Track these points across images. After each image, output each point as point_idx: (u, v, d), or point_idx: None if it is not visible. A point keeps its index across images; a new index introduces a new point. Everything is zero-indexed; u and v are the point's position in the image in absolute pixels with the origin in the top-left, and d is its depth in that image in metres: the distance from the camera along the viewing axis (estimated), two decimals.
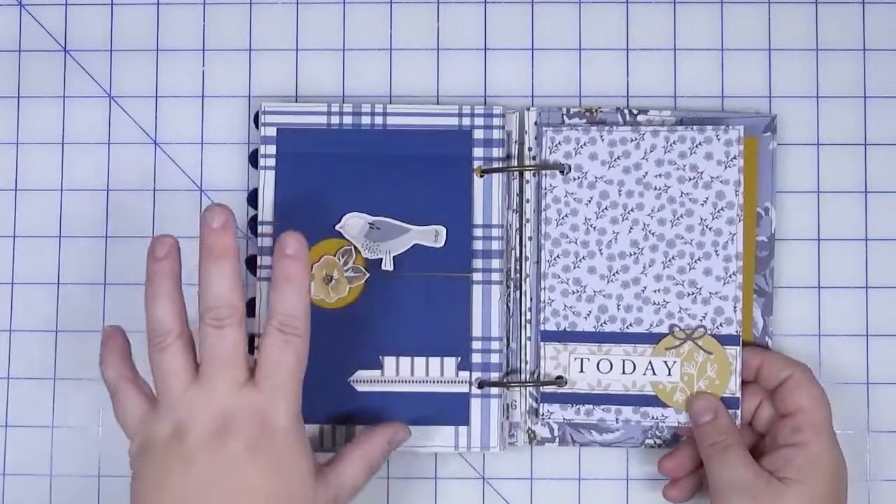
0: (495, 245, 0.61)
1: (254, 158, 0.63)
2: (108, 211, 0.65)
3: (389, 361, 0.61)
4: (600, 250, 0.61)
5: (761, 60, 0.65)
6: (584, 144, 0.61)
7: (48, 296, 0.64)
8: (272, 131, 0.62)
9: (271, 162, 0.62)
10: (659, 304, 0.60)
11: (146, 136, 0.65)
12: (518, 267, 0.62)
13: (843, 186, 0.64)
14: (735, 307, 0.60)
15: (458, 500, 0.63)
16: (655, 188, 0.61)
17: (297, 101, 0.65)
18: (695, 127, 0.61)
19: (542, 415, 0.61)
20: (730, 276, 0.60)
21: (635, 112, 0.62)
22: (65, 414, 0.64)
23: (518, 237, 0.62)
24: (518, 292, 0.62)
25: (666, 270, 0.60)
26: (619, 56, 0.65)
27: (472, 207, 0.61)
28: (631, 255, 0.61)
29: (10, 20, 0.66)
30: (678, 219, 0.60)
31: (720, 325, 0.60)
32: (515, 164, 0.62)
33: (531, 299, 0.61)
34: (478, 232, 0.61)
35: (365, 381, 0.61)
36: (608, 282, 0.61)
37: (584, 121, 0.62)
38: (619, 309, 0.61)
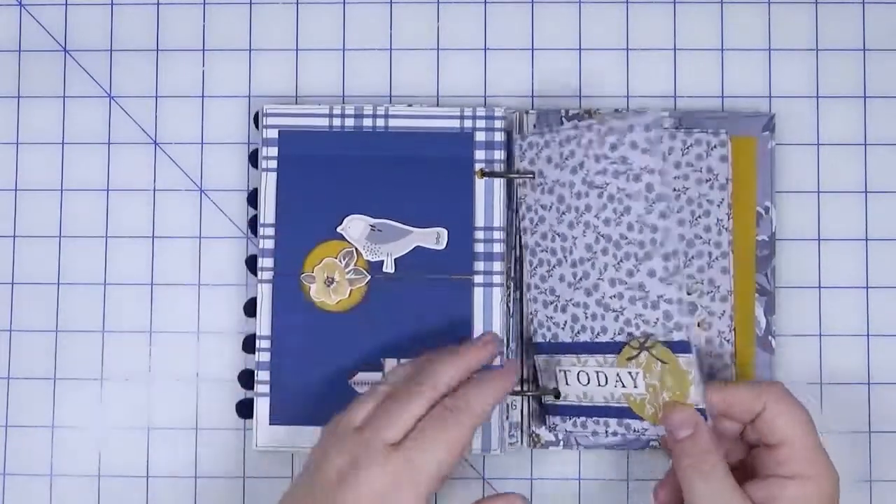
0: (497, 247, 0.61)
1: (254, 158, 0.63)
2: (108, 211, 0.65)
3: (391, 363, 0.61)
4: (565, 257, 0.60)
5: (761, 60, 0.65)
6: (542, 148, 0.60)
7: (48, 296, 0.64)
8: (273, 133, 0.62)
9: (272, 164, 0.62)
10: (617, 311, 0.58)
11: (146, 136, 0.65)
12: (518, 268, 0.62)
13: (843, 186, 0.64)
14: (679, 309, 0.56)
15: (458, 500, 0.63)
16: (597, 186, 0.58)
17: (297, 101, 0.65)
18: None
19: (550, 426, 0.61)
20: (671, 276, 0.56)
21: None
22: (65, 414, 0.64)
23: (517, 239, 0.62)
24: (518, 293, 0.62)
25: (618, 274, 0.58)
26: (620, 56, 0.65)
27: (473, 209, 0.61)
28: (588, 260, 0.59)
29: (10, 20, 0.66)
30: (619, 217, 0.58)
31: (671, 330, 0.56)
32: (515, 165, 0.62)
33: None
34: (479, 234, 0.61)
35: (366, 382, 0.61)
36: (574, 289, 0.59)
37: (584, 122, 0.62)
38: (586, 318, 0.59)
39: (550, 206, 0.60)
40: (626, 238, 0.57)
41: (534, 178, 0.61)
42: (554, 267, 0.60)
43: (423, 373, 0.55)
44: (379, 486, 0.51)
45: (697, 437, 0.53)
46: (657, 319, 0.56)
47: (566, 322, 0.59)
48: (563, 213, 0.59)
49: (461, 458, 0.55)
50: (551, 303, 0.60)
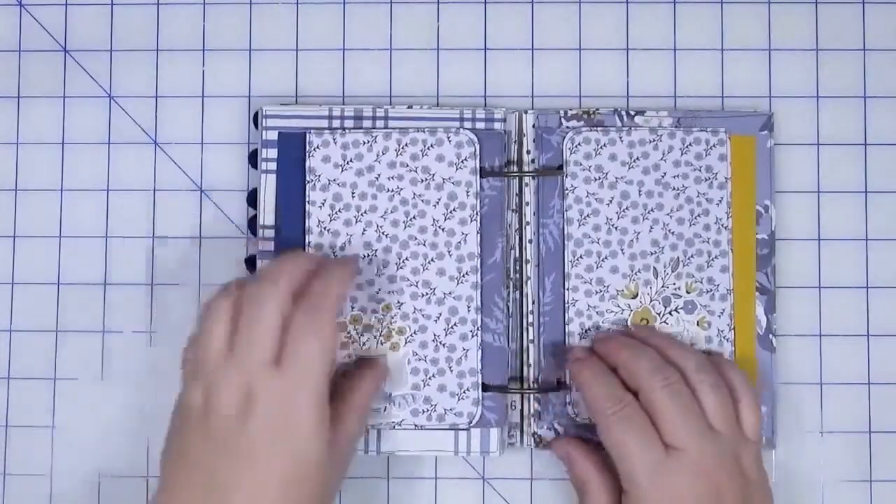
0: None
1: (253, 158, 0.63)
2: (109, 211, 0.65)
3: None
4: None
5: (761, 60, 0.65)
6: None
7: (48, 296, 0.64)
8: (273, 135, 0.62)
9: (272, 165, 0.62)
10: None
11: (146, 136, 0.65)
12: (518, 268, 0.62)
13: (843, 186, 0.64)
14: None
15: (458, 500, 0.63)
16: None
17: (297, 102, 0.65)
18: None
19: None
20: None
21: (633, 113, 0.62)
22: (65, 414, 0.64)
23: (518, 238, 0.62)
24: (518, 293, 0.62)
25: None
26: (620, 56, 0.65)
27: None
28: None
29: (10, 20, 0.66)
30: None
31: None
32: (515, 166, 0.62)
33: (533, 302, 0.61)
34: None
35: None
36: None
37: (582, 122, 0.62)
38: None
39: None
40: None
41: (534, 177, 0.61)
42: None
43: (264, 273, 0.54)
44: (280, 410, 0.51)
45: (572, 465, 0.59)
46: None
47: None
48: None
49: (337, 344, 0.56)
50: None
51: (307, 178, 0.61)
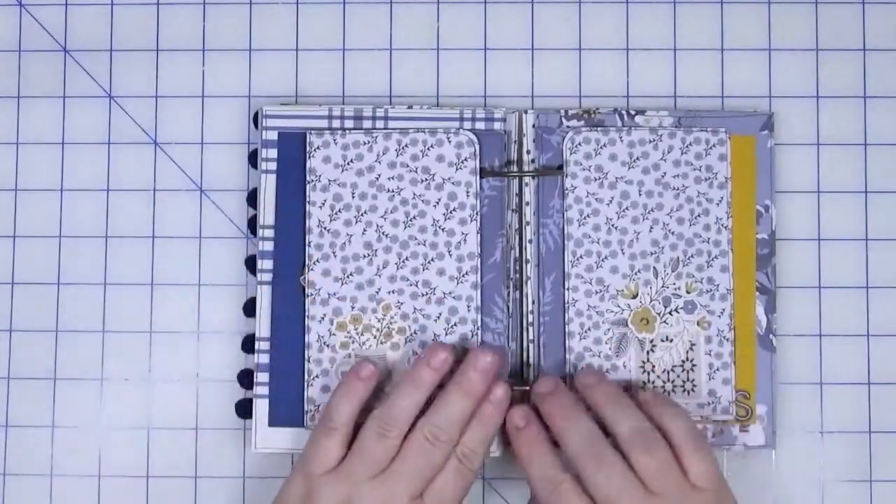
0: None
1: (253, 158, 0.63)
2: (108, 211, 0.65)
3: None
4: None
5: (761, 60, 0.65)
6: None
7: (48, 296, 0.64)
8: (273, 135, 0.62)
9: (272, 165, 0.62)
10: None
11: (146, 136, 0.65)
12: (518, 268, 0.62)
13: (843, 186, 0.64)
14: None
15: None
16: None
17: (297, 102, 0.65)
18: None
19: None
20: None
21: (633, 113, 0.62)
22: (65, 414, 0.64)
23: (518, 238, 0.62)
24: (518, 293, 0.62)
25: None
26: (620, 56, 0.65)
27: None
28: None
29: (10, 20, 0.66)
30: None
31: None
32: (515, 166, 0.62)
33: (533, 302, 0.61)
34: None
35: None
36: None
37: (582, 122, 0.62)
38: None
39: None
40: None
41: (534, 177, 0.61)
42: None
43: (389, 415, 0.56)
44: None
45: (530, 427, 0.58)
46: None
47: None
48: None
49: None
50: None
51: (308, 179, 0.61)
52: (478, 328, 0.60)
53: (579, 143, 0.61)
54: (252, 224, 0.63)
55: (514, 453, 0.57)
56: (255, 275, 0.62)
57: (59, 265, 0.64)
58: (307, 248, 0.61)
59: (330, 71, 0.65)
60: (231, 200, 0.64)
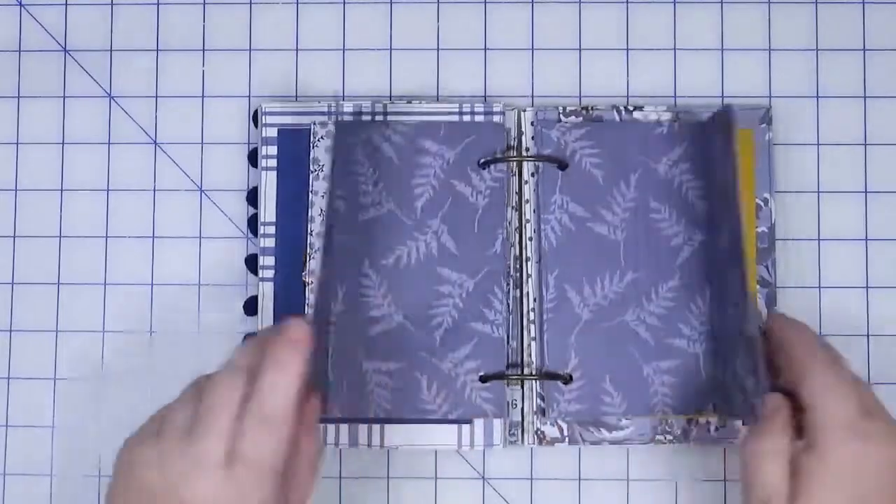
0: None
1: (253, 158, 0.63)
2: (108, 211, 0.65)
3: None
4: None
5: (761, 60, 0.65)
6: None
7: (49, 296, 0.64)
8: (273, 132, 0.62)
9: (272, 163, 0.62)
10: None
11: (146, 136, 0.65)
12: (518, 266, 0.62)
13: (843, 186, 0.64)
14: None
15: (458, 500, 0.63)
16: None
17: (297, 101, 0.65)
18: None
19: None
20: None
21: (631, 108, 0.62)
22: (65, 414, 0.64)
23: (518, 236, 0.62)
24: (518, 291, 0.62)
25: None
26: (619, 56, 0.65)
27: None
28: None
29: (10, 20, 0.66)
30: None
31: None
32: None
33: (534, 299, 0.61)
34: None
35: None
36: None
37: (581, 118, 0.62)
38: None
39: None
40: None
41: (534, 175, 0.61)
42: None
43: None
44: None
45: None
46: None
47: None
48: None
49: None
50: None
51: (311, 168, 0.61)
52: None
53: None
54: (252, 223, 0.63)
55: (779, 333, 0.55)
56: (255, 274, 0.62)
57: (59, 265, 0.64)
58: (308, 237, 0.61)
59: (330, 71, 0.65)
60: (231, 200, 0.64)
